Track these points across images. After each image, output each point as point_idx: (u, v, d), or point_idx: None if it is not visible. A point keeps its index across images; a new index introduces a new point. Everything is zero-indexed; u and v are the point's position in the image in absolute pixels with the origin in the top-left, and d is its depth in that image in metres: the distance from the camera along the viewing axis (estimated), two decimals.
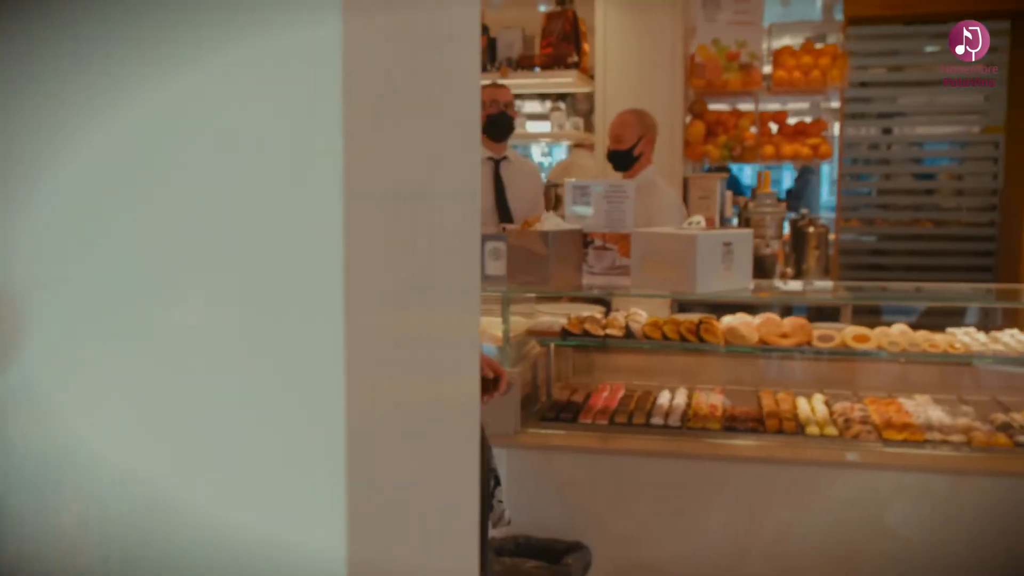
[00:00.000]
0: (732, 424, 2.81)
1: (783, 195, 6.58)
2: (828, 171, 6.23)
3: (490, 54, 5.05)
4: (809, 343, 2.84)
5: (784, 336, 2.86)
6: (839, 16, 4.84)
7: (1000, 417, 2.79)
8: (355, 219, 0.73)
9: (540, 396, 3.17)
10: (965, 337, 2.85)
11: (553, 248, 2.78)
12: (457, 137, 0.95)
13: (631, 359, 3.47)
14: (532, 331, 3.00)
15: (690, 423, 2.84)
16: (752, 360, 3.34)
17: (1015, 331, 2.89)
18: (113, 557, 0.81)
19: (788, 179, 7.23)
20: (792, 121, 4.86)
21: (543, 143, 6.67)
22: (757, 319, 2.93)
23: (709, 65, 4.64)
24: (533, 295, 3.20)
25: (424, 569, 0.89)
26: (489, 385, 2.05)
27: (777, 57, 4.69)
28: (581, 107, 5.37)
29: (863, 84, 5.10)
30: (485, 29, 5.08)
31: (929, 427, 2.73)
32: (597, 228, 2.96)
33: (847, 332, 2.85)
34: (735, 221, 4.79)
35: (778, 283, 4.24)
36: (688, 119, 4.88)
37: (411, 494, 0.87)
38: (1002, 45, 5.01)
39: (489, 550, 1.99)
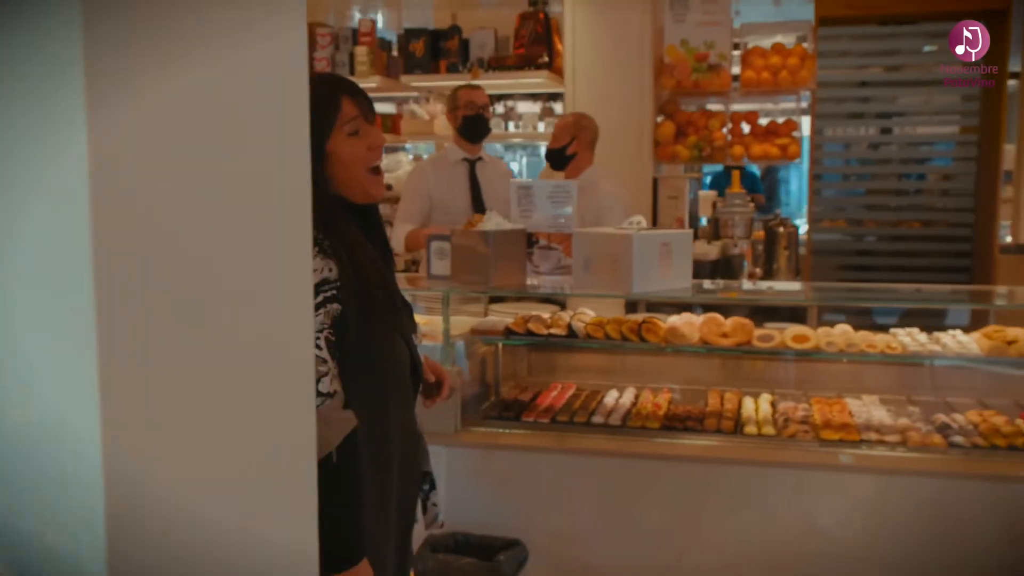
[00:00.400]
0: (672, 423, 2.83)
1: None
2: (799, 171, 6.23)
3: (462, 55, 5.07)
4: (749, 343, 2.85)
5: (725, 336, 2.87)
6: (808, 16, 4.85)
7: (941, 418, 2.80)
8: None
9: (490, 395, 3.20)
10: (906, 338, 2.86)
11: (494, 248, 2.80)
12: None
13: (590, 359, 3.49)
14: (476, 330, 3.02)
15: (631, 422, 2.86)
16: (712, 360, 3.34)
17: (958, 332, 2.89)
18: None
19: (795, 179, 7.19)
20: (763, 121, 4.86)
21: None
22: (700, 319, 2.94)
23: (678, 66, 4.65)
24: (479, 295, 3.22)
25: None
26: (432, 390, 2.08)
27: (746, 58, 4.69)
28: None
29: (836, 84, 5.09)
30: (458, 30, 5.11)
31: (867, 427, 2.74)
32: (541, 228, 2.98)
33: (788, 332, 2.86)
34: (704, 221, 4.80)
35: (746, 284, 4.26)
36: (660, 119, 4.89)
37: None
38: None
39: (410, 548, 2.01)
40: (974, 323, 4.07)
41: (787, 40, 4.80)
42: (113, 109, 0.77)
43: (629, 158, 4.72)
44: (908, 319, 4.37)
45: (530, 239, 2.98)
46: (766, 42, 4.68)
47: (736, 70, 4.77)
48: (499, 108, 5.88)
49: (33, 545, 0.83)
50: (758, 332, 2.87)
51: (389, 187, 4.95)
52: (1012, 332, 2.74)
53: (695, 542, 2.64)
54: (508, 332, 2.98)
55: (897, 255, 5.27)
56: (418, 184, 3.86)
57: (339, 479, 1.71)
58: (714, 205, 4.76)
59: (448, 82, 4.74)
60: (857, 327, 2.91)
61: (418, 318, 2.10)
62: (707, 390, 3.17)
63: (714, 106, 5.01)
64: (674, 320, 2.93)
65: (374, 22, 5.14)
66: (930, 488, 2.49)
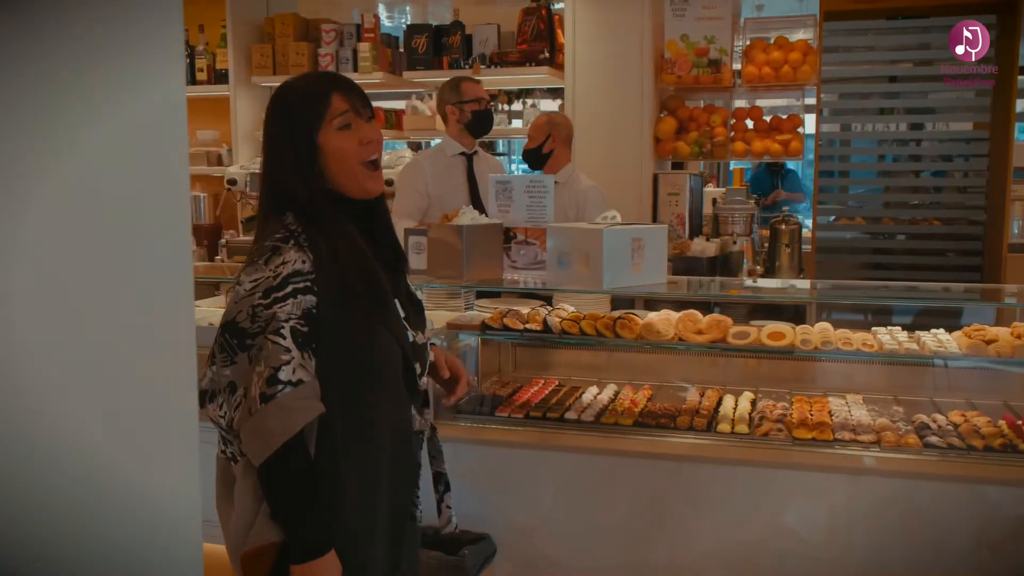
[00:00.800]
0: (645, 421, 2.81)
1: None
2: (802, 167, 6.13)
3: (465, 51, 5.08)
4: (724, 340, 2.82)
5: (700, 332, 2.84)
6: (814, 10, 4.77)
7: (921, 418, 2.75)
8: None
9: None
10: (885, 336, 2.81)
11: (468, 242, 2.80)
12: None
13: (577, 355, 3.47)
14: (453, 324, 3.03)
15: (604, 419, 2.84)
16: (700, 357, 3.31)
17: (940, 331, 2.84)
18: None
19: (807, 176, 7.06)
20: (767, 117, 4.81)
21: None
22: (677, 315, 2.92)
23: (679, 61, 4.61)
24: (457, 290, 3.22)
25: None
26: (449, 385, 2.10)
27: (747, 52, 4.64)
28: None
29: (841, 80, 5.00)
30: (461, 25, 5.11)
31: (843, 427, 2.70)
32: (518, 223, 2.97)
33: (764, 330, 2.82)
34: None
35: (747, 281, 4.22)
36: (663, 115, 4.85)
37: None
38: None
39: (409, 546, 2.02)
40: (976, 323, 3.98)
41: (791, 35, 4.75)
42: None
43: (630, 154, 4.70)
44: (923, 318, 4.30)
45: (508, 234, 2.98)
46: (764, 35, 4.62)
47: (737, 66, 4.72)
48: (516, 105, 5.85)
49: None
50: (733, 329, 2.83)
51: (389, 182, 4.96)
52: (992, 331, 2.69)
53: (660, 539, 2.62)
54: (485, 327, 2.98)
55: (908, 253, 5.17)
56: (415, 179, 3.86)
57: (308, 470, 1.73)
58: (714, 202, 4.72)
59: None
60: (857, 327, 2.87)
61: None
62: (690, 387, 3.15)
63: (717, 102, 4.96)
64: (651, 316, 2.91)
65: (378, 18, 5.16)
66: (900, 489, 2.45)
